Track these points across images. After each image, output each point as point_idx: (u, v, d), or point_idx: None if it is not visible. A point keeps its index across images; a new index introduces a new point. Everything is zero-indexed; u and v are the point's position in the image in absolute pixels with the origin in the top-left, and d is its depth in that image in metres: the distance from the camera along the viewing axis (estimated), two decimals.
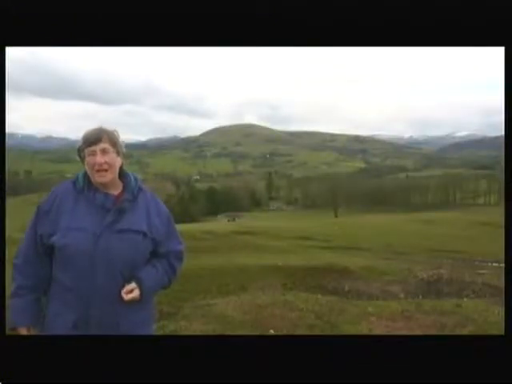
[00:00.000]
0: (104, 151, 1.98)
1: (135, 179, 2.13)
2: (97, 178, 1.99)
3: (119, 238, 1.96)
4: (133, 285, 1.97)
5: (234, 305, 5.89)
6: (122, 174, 2.11)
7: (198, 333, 4.61)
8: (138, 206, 2.07)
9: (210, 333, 4.61)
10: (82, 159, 2.03)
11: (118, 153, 2.05)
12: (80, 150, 2.03)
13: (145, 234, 2.03)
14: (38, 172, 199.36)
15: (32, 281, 2.04)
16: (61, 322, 1.98)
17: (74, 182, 2.06)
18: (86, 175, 2.05)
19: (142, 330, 2.09)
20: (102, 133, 2.01)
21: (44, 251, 2.02)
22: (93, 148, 1.97)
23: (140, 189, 2.11)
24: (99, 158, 1.96)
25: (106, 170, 1.98)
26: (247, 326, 4.89)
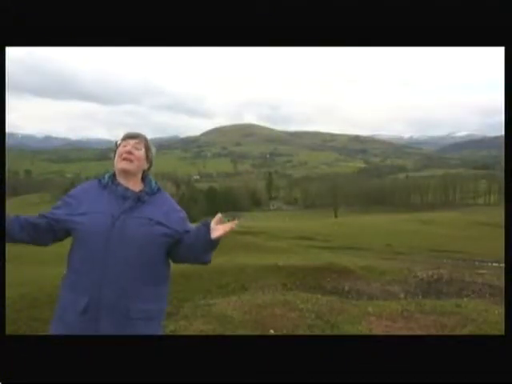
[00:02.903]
0: (136, 146, 2.15)
1: (155, 182, 2.25)
2: (121, 164, 2.11)
3: (135, 223, 2.05)
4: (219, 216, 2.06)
5: (234, 305, 5.89)
6: (143, 177, 2.23)
7: (197, 333, 4.62)
8: (157, 202, 2.18)
9: (210, 333, 4.62)
10: (115, 154, 2.17)
11: (147, 156, 2.21)
12: (116, 146, 2.19)
13: (161, 223, 2.10)
14: (38, 172, 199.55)
15: (31, 226, 2.04)
16: (71, 309, 2.00)
17: (100, 179, 2.18)
18: (112, 174, 2.18)
19: (151, 324, 2.11)
20: (141, 135, 2.20)
21: (56, 230, 2.08)
22: (128, 141, 2.15)
23: (159, 189, 2.23)
24: (129, 148, 2.13)
25: (131, 161, 2.12)
26: (247, 326, 4.89)
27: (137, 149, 2.14)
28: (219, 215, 2.08)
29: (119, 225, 2.01)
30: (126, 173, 2.13)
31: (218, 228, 2.04)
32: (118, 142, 2.18)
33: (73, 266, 2.06)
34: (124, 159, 2.11)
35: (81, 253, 2.02)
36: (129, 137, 2.17)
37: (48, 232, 2.10)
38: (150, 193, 2.17)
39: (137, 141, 2.16)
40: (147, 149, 2.20)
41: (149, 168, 2.25)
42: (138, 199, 2.10)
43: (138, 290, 2.03)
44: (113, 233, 2.00)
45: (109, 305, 1.99)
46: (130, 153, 2.11)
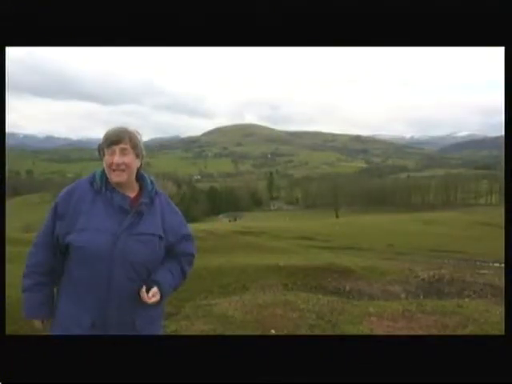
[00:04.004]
0: (123, 152, 2.01)
1: (151, 182, 2.17)
2: (113, 178, 2.02)
3: (137, 239, 2.00)
4: (155, 289, 2.01)
5: (235, 305, 5.89)
6: (138, 176, 2.15)
7: (199, 333, 4.61)
8: (155, 209, 2.11)
9: (211, 333, 4.61)
10: (102, 157, 2.06)
11: (137, 155, 2.08)
12: (100, 148, 2.06)
13: (160, 237, 2.08)
14: (40, 172, 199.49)
15: (47, 278, 2.08)
16: (77, 322, 2.00)
17: (91, 182, 2.08)
18: (103, 174, 2.07)
19: (154, 326, 2.15)
20: (124, 133, 2.03)
21: (59, 250, 2.05)
22: (113, 147, 2.00)
23: (156, 192, 2.15)
24: (117, 158, 2.00)
25: (122, 171, 2.01)
26: (248, 326, 4.89)
27: (124, 154, 2.01)
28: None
29: (121, 245, 1.97)
30: (120, 183, 2.05)
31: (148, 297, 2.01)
32: (102, 146, 2.04)
33: (72, 280, 2.03)
34: (114, 171, 2.01)
35: (81, 271, 1.99)
36: (111, 142, 2.01)
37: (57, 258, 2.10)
38: (149, 202, 2.09)
39: (122, 145, 2.00)
40: (134, 147, 2.05)
41: (141, 161, 2.13)
42: (138, 214, 2.04)
43: (142, 303, 2.03)
44: (115, 252, 1.96)
45: (115, 321, 2.00)
46: (118, 164, 2.00)
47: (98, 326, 1.99)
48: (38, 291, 2.08)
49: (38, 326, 2.11)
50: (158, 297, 2.02)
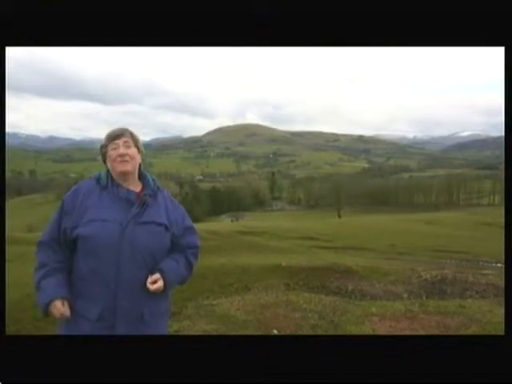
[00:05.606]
0: (126, 144, 2.13)
1: (153, 179, 2.26)
2: (119, 167, 2.10)
3: (143, 229, 2.06)
4: (157, 275, 2.05)
5: (237, 305, 5.89)
6: (140, 175, 2.24)
7: (201, 333, 4.61)
8: (158, 203, 2.19)
9: (213, 333, 4.61)
10: (104, 156, 2.17)
11: (138, 149, 2.20)
12: (103, 148, 2.17)
13: (166, 227, 2.14)
14: (42, 172, 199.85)
15: (59, 265, 2.10)
16: (83, 317, 2.02)
17: (97, 179, 2.16)
18: (108, 173, 2.17)
19: (160, 320, 2.19)
20: (125, 130, 2.17)
21: (66, 246, 2.09)
22: (116, 142, 2.12)
23: (158, 188, 2.24)
24: (122, 150, 2.11)
25: (127, 161, 2.11)
26: (250, 326, 4.89)
27: (128, 147, 2.13)
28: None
29: (129, 234, 2.01)
30: (126, 174, 2.13)
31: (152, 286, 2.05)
32: (104, 144, 2.16)
33: (79, 273, 2.06)
34: (120, 162, 2.10)
35: (90, 262, 2.02)
36: (114, 137, 2.14)
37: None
38: (152, 194, 2.17)
39: (124, 139, 2.14)
40: (135, 141, 2.18)
41: (141, 159, 2.24)
42: (143, 204, 2.11)
43: (150, 293, 2.06)
44: (122, 241, 2.00)
45: (124, 312, 2.02)
46: (123, 155, 2.10)
47: (107, 318, 2.01)
48: (52, 276, 2.06)
49: (59, 310, 1.99)
50: (160, 284, 2.05)
